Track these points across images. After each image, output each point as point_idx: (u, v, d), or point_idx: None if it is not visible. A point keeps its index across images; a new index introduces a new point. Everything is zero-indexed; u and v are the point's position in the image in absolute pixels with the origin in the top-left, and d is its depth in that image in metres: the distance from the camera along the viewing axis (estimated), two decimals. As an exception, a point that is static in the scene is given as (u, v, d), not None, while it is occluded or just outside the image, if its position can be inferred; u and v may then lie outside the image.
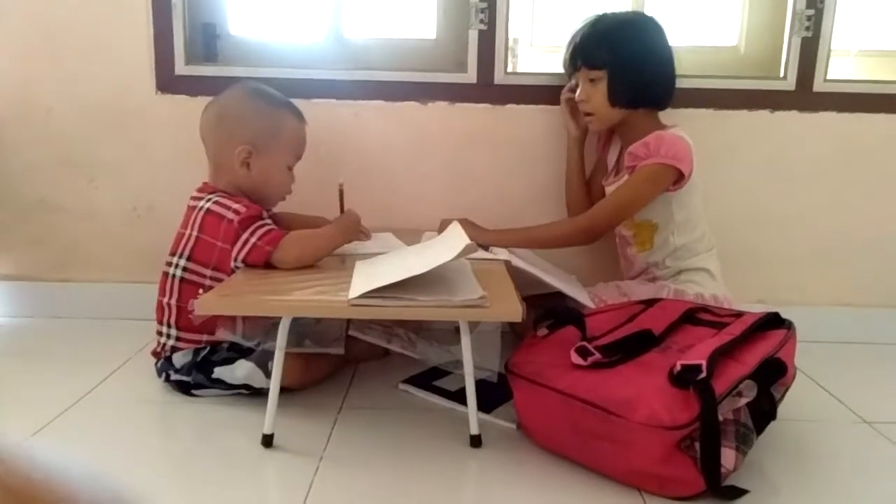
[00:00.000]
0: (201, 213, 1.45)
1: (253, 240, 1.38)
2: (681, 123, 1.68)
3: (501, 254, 1.59)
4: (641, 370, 1.17)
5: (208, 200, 1.46)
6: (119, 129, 1.90)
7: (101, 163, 1.92)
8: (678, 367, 1.11)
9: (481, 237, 1.64)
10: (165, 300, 1.49)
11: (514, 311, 1.16)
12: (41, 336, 1.87)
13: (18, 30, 1.86)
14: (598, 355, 1.20)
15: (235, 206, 1.42)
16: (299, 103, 1.65)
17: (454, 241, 1.26)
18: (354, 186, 1.89)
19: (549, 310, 1.40)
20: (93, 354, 1.70)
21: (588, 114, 1.67)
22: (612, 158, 1.78)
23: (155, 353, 1.51)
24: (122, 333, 1.80)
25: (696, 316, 1.38)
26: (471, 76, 1.86)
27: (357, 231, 1.52)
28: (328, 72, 1.87)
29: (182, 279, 1.47)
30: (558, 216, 1.86)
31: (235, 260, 1.39)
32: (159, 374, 1.50)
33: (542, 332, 1.37)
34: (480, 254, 1.53)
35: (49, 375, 1.60)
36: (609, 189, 1.72)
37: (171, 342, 1.48)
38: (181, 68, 1.85)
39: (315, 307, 1.21)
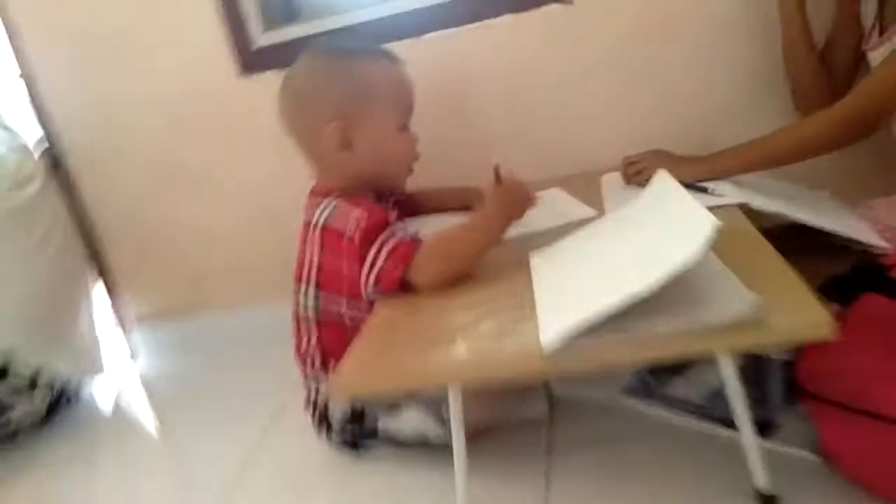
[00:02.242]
0: (318, 229, 1.10)
1: (380, 262, 1.01)
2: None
3: (728, 192, 1.11)
4: None
5: (323, 210, 1.10)
6: (208, 129, 1.59)
7: (203, 172, 1.64)
8: None
9: (690, 170, 1.18)
10: (304, 345, 1.18)
11: (815, 320, 0.69)
12: (184, 386, 1.69)
13: (79, 45, 1.58)
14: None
15: (355, 213, 1.06)
16: (410, 45, 1.25)
17: (679, 210, 0.81)
18: (499, 135, 1.48)
19: (833, 276, 0.92)
20: (243, 402, 1.50)
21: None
22: (869, 10, 1.19)
23: (308, 406, 1.22)
24: (267, 367, 1.54)
25: None
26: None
27: (523, 208, 1.06)
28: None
29: (317, 316, 1.15)
30: (783, 119, 1.32)
31: (366, 289, 1.03)
32: (318, 432, 1.21)
33: (833, 309, 0.89)
34: (701, 199, 1.06)
35: (202, 440, 1.40)
36: (875, 56, 1.15)
37: (321, 395, 1.18)
38: (260, 38, 1.49)
39: (497, 366, 0.79)
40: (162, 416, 1.59)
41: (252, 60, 1.51)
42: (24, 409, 1.49)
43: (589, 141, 1.47)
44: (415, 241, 1.02)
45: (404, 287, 1.00)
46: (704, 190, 1.12)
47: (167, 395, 1.67)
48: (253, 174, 1.62)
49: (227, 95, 1.54)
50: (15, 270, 1.47)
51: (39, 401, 1.51)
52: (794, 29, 1.25)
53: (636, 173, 1.25)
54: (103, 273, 1.77)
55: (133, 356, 1.84)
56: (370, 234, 1.03)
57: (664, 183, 0.93)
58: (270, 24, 1.49)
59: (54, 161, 1.66)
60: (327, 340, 1.15)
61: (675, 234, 0.76)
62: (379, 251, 1.01)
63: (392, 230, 1.04)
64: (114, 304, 1.81)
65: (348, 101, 1.10)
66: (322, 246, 1.10)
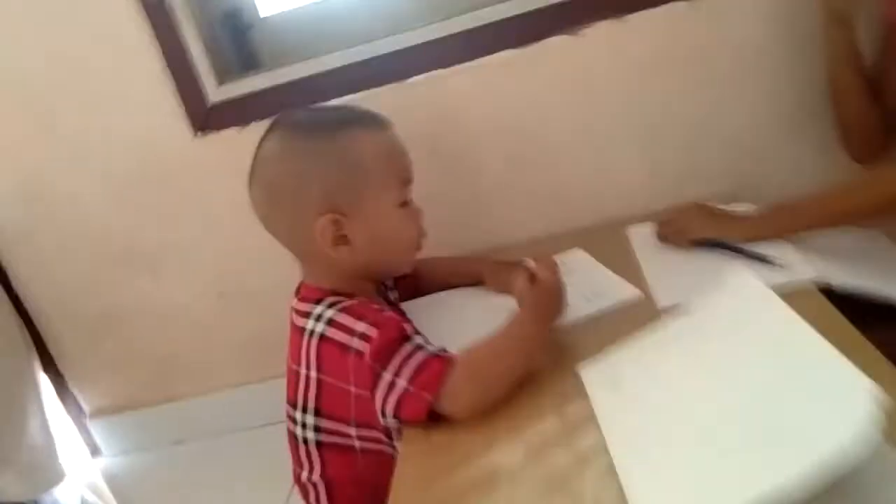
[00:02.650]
0: (314, 341, 0.90)
1: (402, 382, 0.81)
2: None
3: (794, 262, 0.94)
4: None
5: (318, 319, 0.90)
6: (162, 197, 1.36)
7: (159, 247, 1.41)
8: None
9: (738, 230, 1.03)
10: (305, 475, 0.98)
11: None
12: (152, 483, 1.49)
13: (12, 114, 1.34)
14: None
15: (361, 326, 0.86)
16: (392, 91, 1.08)
17: (790, 340, 0.64)
18: (501, 186, 1.30)
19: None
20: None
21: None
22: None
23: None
24: (243, 459, 1.36)
25: None
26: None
27: (563, 306, 0.88)
28: (422, 30, 1.22)
29: (319, 443, 0.95)
30: (828, 156, 1.18)
31: (384, 415, 0.84)
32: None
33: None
34: (763, 272, 0.91)
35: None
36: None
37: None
38: (214, 93, 1.27)
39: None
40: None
41: (207, 118, 1.28)
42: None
43: (607, 188, 1.30)
44: (443, 361, 0.83)
45: (432, 415, 0.81)
46: (765, 260, 0.96)
47: (134, 494, 1.47)
48: (217, 244, 1.40)
49: (181, 159, 1.32)
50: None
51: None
52: (840, 54, 1.10)
53: (675, 232, 1.09)
54: (48, 366, 1.53)
55: (93, 454, 1.60)
56: (386, 351, 0.83)
57: (749, 287, 0.76)
58: (225, 75, 1.27)
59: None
60: (333, 470, 0.95)
61: (800, 386, 0.59)
62: (399, 371, 0.82)
63: (413, 344, 0.84)
64: (64, 400, 1.57)
65: (337, 188, 0.89)
66: (320, 363, 0.90)
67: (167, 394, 1.52)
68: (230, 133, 1.29)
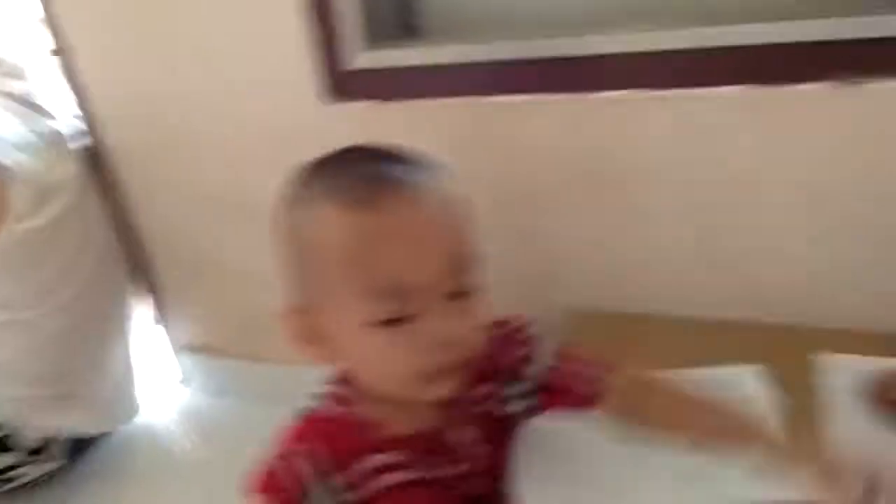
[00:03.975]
0: None
1: None
2: None
3: None
4: None
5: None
6: (284, 160, 1.19)
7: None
8: None
9: None
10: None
11: None
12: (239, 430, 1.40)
13: (133, 18, 1.18)
14: None
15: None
16: (568, 105, 0.90)
17: None
18: (687, 248, 1.04)
19: None
20: None
21: None
22: None
23: None
24: None
25: None
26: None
27: None
28: (632, 37, 0.92)
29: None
30: None
31: None
32: None
33: None
34: None
35: None
36: None
37: None
38: (358, 58, 1.05)
39: None
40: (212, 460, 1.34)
41: (342, 85, 1.07)
42: (34, 470, 1.25)
43: (809, 291, 0.99)
44: None
45: None
46: None
47: (217, 436, 1.41)
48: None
49: (304, 123, 1.13)
50: (25, 314, 1.18)
51: (51, 462, 1.27)
52: None
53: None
54: (149, 293, 1.47)
55: (185, 382, 1.56)
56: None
57: None
58: (375, 40, 1.04)
59: (95, 159, 1.32)
60: None
61: None
62: None
63: None
64: (160, 329, 1.52)
65: (295, 276, 0.62)
66: None
67: (256, 351, 1.43)
68: (365, 106, 1.08)
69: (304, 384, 0.78)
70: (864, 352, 0.88)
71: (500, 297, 1.08)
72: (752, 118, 0.92)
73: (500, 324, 0.73)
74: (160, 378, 1.54)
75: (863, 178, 0.91)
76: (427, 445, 0.65)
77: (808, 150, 0.92)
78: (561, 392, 0.71)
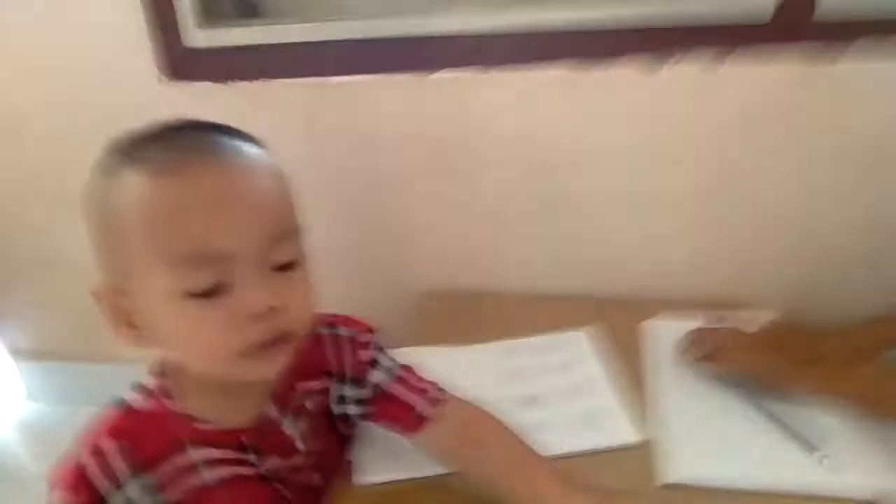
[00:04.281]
0: None
1: None
2: None
3: (852, 476, 0.73)
4: None
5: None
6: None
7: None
8: None
9: (791, 375, 0.82)
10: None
11: None
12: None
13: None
14: None
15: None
16: (410, 83, 0.92)
17: None
18: (531, 224, 1.08)
19: None
20: None
21: None
22: None
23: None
24: None
25: None
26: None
27: None
28: (474, 16, 0.96)
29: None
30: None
31: None
32: None
33: None
34: (810, 470, 0.72)
35: None
36: None
37: None
38: (198, 36, 1.02)
39: None
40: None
41: (181, 64, 1.04)
42: None
43: (641, 260, 1.07)
44: None
45: None
46: (810, 446, 0.75)
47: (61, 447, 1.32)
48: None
49: (141, 103, 1.05)
50: None
51: None
52: None
53: (707, 358, 0.87)
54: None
55: (28, 397, 1.45)
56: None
57: None
58: (213, 18, 1.01)
59: None
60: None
61: None
62: None
63: None
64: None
65: (100, 250, 0.58)
66: None
67: (100, 352, 1.35)
68: (205, 86, 1.05)
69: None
70: (683, 316, 0.97)
71: (352, 282, 1.08)
72: (580, 95, 0.98)
73: (350, 322, 0.73)
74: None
75: (671, 149, 0.99)
76: (256, 438, 0.64)
77: (628, 125, 0.99)
78: (396, 408, 0.72)
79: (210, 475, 0.61)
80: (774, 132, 0.95)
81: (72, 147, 1.15)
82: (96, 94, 1.10)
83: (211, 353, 0.56)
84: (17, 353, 1.41)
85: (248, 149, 0.58)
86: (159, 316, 0.55)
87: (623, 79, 0.94)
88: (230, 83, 1.04)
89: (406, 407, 0.71)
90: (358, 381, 0.72)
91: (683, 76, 0.93)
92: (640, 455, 0.76)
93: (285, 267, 0.56)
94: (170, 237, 0.53)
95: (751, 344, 0.87)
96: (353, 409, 0.73)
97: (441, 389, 0.74)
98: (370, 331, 0.74)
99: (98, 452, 0.58)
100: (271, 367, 0.58)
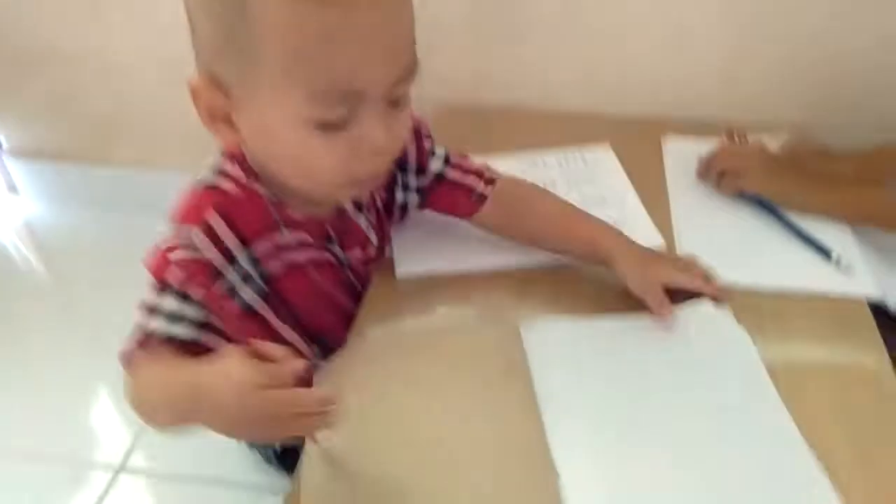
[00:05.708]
0: None
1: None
2: None
3: (860, 277, 0.77)
4: None
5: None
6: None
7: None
8: None
9: (802, 194, 0.85)
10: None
11: None
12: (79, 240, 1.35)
13: None
14: None
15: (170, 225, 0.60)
16: None
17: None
18: (556, 24, 1.04)
19: None
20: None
21: None
22: None
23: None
24: None
25: None
26: None
27: (292, 405, 0.47)
28: None
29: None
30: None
31: None
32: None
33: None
34: (816, 274, 0.77)
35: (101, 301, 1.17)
36: None
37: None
38: None
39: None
40: (52, 269, 1.32)
41: None
42: None
43: (668, 76, 1.05)
44: (132, 356, 0.59)
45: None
46: (823, 251, 0.80)
47: (54, 245, 1.36)
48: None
49: None
50: None
51: None
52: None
53: (724, 175, 0.90)
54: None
55: (11, 189, 1.42)
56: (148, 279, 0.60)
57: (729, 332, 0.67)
58: None
59: None
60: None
61: (763, 467, 0.55)
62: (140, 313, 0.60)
63: (155, 303, 0.59)
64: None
65: (215, 54, 0.54)
66: None
67: (100, 154, 1.32)
68: None
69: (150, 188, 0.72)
70: (705, 135, 0.98)
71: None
72: None
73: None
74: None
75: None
76: (324, 229, 0.66)
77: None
78: (456, 192, 0.74)
79: (301, 256, 0.64)
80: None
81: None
82: None
83: (324, 180, 0.57)
84: (15, 152, 1.38)
85: None
86: (279, 136, 0.55)
87: None
88: None
89: (465, 190, 0.74)
90: (421, 170, 0.73)
91: None
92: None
93: (396, 102, 0.55)
94: (314, 70, 0.50)
95: (770, 162, 0.89)
96: (412, 198, 0.75)
97: (490, 168, 0.77)
98: (423, 120, 0.74)
99: (208, 228, 0.58)
100: (365, 193, 0.67)
